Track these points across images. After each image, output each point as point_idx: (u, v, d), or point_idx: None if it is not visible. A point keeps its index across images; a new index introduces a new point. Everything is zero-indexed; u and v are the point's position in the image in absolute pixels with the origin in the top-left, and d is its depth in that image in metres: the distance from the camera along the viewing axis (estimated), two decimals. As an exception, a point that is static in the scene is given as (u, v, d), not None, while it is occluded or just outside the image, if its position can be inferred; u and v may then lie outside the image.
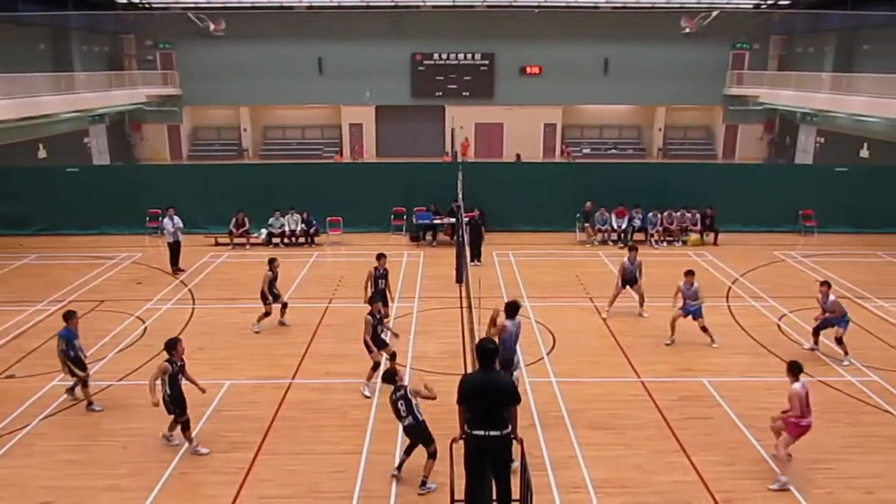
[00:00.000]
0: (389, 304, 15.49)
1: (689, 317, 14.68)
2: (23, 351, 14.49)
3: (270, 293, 15.54)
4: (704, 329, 14.67)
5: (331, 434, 11.29)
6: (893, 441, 11.07)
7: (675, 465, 10.37)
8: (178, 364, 10.65)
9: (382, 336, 13.32)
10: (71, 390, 12.37)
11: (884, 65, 33.04)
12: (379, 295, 14.40)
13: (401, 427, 10.02)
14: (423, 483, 9.79)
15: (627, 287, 16.47)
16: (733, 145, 45.95)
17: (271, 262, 15.69)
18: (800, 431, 9.87)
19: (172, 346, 10.66)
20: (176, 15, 41.19)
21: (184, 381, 10.72)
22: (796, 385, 9.78)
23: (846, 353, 13.99)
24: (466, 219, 20.95)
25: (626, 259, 16.47)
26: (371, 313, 12.69)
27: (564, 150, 43.05)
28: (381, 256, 15.40)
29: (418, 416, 9.72)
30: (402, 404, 9.75)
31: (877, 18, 33.47)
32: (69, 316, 12.11)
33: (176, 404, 10.53)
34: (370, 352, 12.68)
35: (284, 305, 15.95)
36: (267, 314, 15.61)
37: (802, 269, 20.40)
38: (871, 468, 10.31)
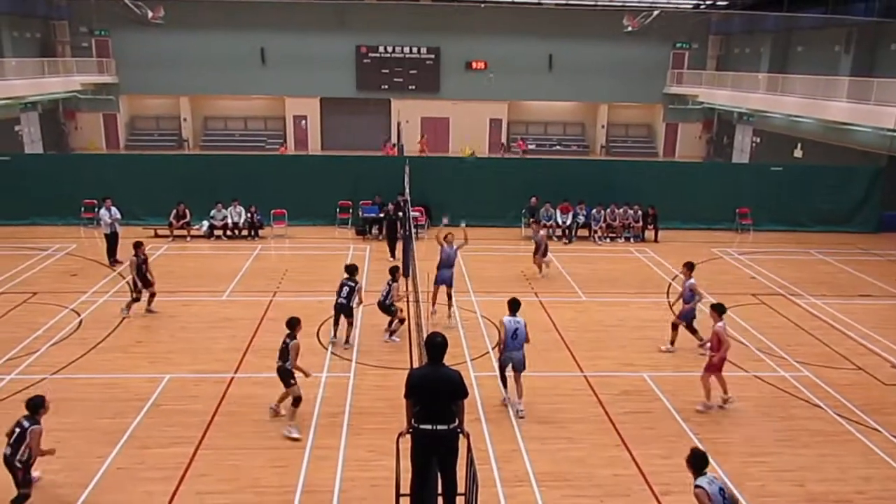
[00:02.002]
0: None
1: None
2: (-51, 345, 13.90)
3: (140, 278, 15.48)
4: (450, 296, 15.89)
5: (273, 428, 11.14)
6: (823, 435, 11.45)
7: (616, 459, 10.55)
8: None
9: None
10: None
11: (816, 66, 34.14)
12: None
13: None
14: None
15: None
16: (673, 143, 46.87)
17: (136, 246, 15.64)
18: (715, 367, 11.75)
19: (41, 404, 9.06)
20: (112, 1, 39.96)
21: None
22: (719, 324, 11.69)
23: (673, 343, 14.54)
24: (381, 214, 22.23)
25: (542, 232, 19.83)
26: None
27: (517, 144, 43.20)
28: (395, 269, 14.85)
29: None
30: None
31: (810, 20, 34.53)
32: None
33: (29, 471, 8.95)
34: None
35: (153, 295, 15.80)
36: (136, 300, 15.58)
37: (739, 267, 20.94)
38: (802, 461, 10.64)
